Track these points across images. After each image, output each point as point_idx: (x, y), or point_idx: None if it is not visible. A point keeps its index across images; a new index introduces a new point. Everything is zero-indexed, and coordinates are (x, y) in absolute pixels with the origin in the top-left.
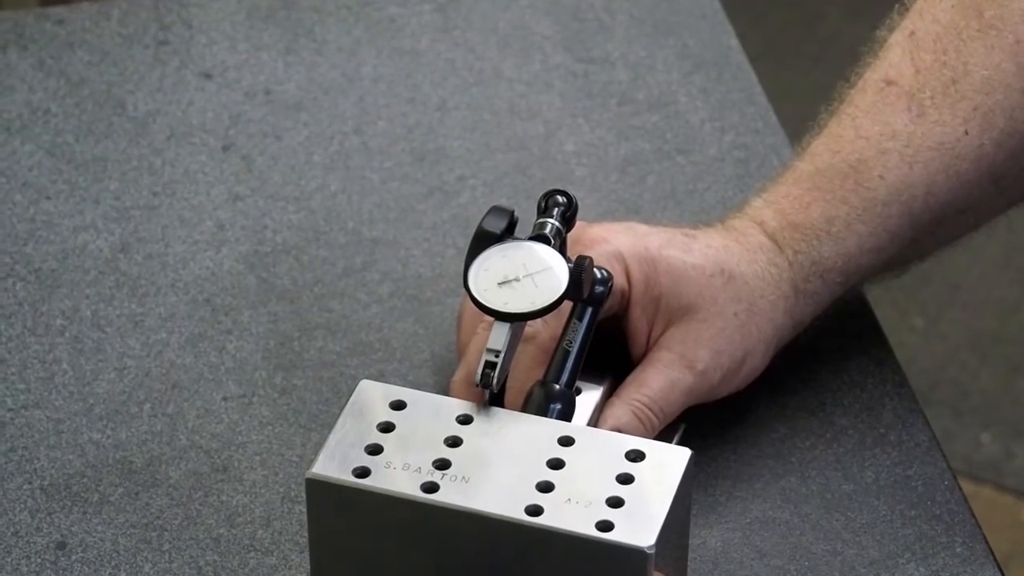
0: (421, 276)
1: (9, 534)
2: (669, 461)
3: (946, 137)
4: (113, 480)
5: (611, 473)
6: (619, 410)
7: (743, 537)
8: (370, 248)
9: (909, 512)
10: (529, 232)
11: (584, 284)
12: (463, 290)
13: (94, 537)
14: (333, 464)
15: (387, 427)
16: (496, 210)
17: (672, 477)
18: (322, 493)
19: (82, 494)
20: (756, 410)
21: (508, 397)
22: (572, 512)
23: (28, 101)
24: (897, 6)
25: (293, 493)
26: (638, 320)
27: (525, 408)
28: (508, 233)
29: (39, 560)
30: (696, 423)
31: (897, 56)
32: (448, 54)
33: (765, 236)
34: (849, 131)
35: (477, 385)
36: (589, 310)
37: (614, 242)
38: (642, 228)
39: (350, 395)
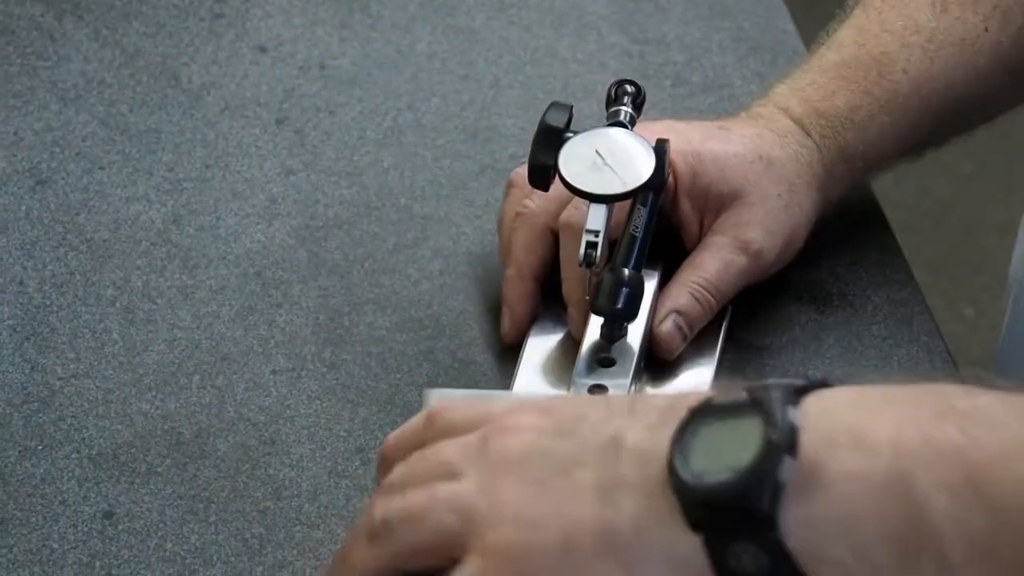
0: (472, 253)
1: (57, 503)
2: None
3: (967, 33)
4: (161, 451)
5: None
6: (677, 292)
7: None
8: (421, 224)
9: None
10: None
11: (666, 165)
12: None
13: (141, 507)
14: None
15: None
16: (556, 105)
17: None
18: None
19: (130, 464)
20: None
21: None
22: None
23: (83, 71)
24: None
25: (340, 467)
26: (689, 211)
27: (597, 294)
28: (566, 129)
29: (86, 529)
30: None
31: None
32: (503, 32)
33: (791, 121)
34: (875, 24)
35: (580, 265)
36: (651, 195)
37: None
38: (680, 124)
39: (420, 401)
